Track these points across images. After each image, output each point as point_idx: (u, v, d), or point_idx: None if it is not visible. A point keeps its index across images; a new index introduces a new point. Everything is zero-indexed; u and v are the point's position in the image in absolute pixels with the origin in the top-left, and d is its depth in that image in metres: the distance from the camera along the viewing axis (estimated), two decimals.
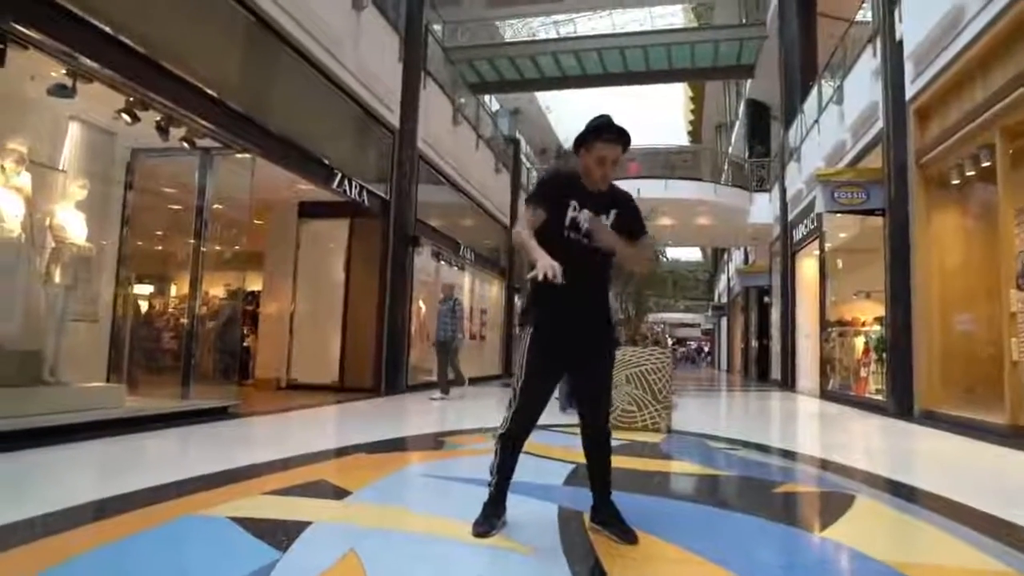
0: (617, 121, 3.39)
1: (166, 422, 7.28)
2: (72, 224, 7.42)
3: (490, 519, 3.43)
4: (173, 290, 10.39)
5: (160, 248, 9.85)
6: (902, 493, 4.93)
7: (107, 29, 6.82)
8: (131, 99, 7.47)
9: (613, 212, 3.41)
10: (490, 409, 11.75)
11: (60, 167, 7.61)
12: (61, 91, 6.88)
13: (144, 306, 10.24)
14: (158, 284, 10.31)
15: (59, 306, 7.33)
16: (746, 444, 7.32)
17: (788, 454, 6.83)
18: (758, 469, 5.88)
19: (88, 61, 6.73)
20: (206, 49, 8.58)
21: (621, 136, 3.34)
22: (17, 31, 6.03)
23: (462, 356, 13.82)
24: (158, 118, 7.89)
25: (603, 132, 3.32)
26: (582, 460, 3.65)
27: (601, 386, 3.48)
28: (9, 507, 3.78)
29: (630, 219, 3.46)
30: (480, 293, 21.49)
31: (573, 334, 3.37)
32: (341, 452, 6.13)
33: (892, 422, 10.10)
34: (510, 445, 3.45)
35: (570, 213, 3.32)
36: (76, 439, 6.02)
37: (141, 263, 9.52)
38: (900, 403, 10.87)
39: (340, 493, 4.30)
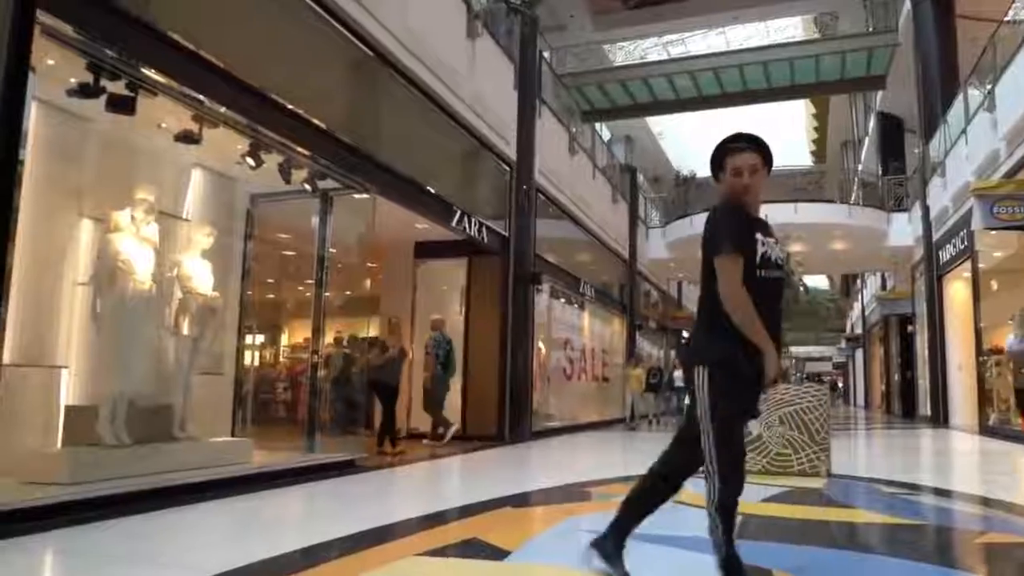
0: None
1: (292, 477, 7.27)
2: (199, 273, 7.50)
3: None
4: (291, 339, 10.49)
5: (276, 296, 9.95)
6: None
7: (228, 69, 6.91)
8: (254, 142, 7.58)
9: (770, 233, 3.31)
10: (616, 453, 11.88)
11: (184, 215, 7.74)
12: (187, 138, 7.01)
13: (265, 357, 10.35)
14: (278, 334, 10.41)
15: (187, 359, 7.39)
16: (916, 488, 7.20)
17: (971, 498, 6.62)
18: (949, 516, 5.71)
19: (214, 104, 6.85)
20: (323, 86, 8.67)
21: (752, 142, 3.28)
22: (148, 78, 6.16)
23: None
24: (280, 160, 7.98)
25: (729, 142, 3.31)
26: (746, 511, 3.59)
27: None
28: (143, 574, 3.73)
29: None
30: (600, 332, 21.25)
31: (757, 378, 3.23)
32: (485, 507, 5.96)
33: None
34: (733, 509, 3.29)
35: (760, 249, 3.19)
36: (206, 498, 6.01)
37: (261, 312, 9.64)
38: None
39: (499, 553, 4.19)
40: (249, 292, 9.32)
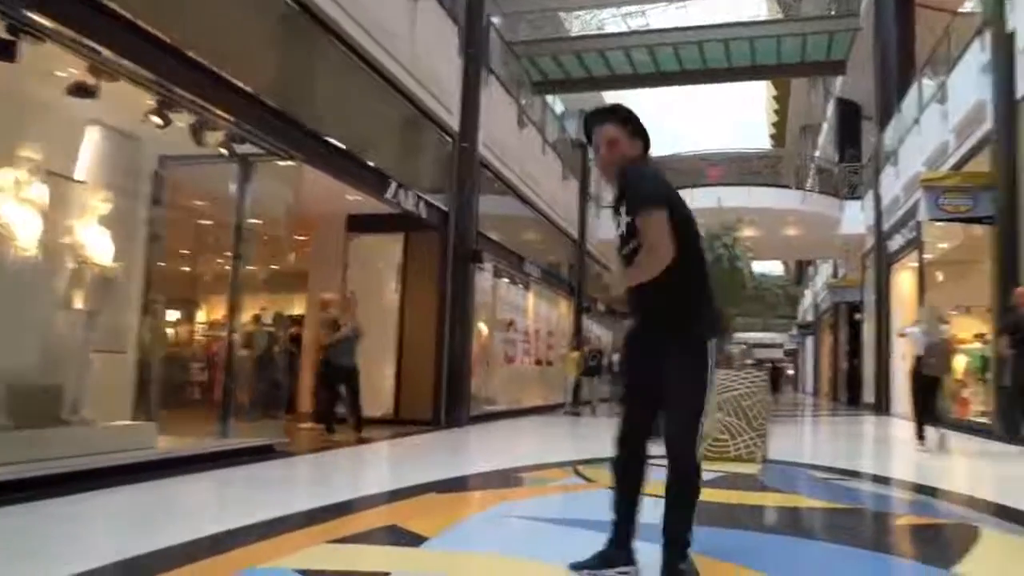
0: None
1: (204, 464, 7.02)
2: (95, 241, 7.03)
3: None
4: (209, 316, 10.02)
5: (192, 269, 9.49)
6: None
7: (133, 18, 6.44)
8: (160, 99, 7.06)
9: (625, 202, 3.26)
10: (561, 439, 12.10)
11: (79, 177, 7.22)
12: (81, 91, 6.46)
13: (179, 334, 9.88)
14: (193, 310, 9.92)
15: (82, 335, 6.95)
16: (850, 473, 7.59)
17: (896, 483, 7.10)
18: (872, 500, 6.12)
19: (112, 55, 6.34)
20: (244, 42, 8.25)
21: (604, 114, 3.30)
22: (32, 21, 5.60)
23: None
24: (192, 120, 7.50)
25: (587, 120, 3.38)
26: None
27: (669, 395, 3.17)
28: (25, 568, 3.49)
29: (633, 204, 3.20)
30: (546, 314, 21.04)
31: (645, 349, 3.27)
32: (409, 493, 5.89)
33: (999, 446, 10.33)
34: (616, 472, 3.33)
35: (612, 219, 3.36)
36: (103, 485, 5.69)
37: (173, 286, 9.21)
38: (1007, 425, 10.85)
39: (416, 539, 4.17)
40: (161, 263, 8.85)
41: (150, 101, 7.06)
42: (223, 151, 8.08)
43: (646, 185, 3.18)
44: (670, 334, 3.19)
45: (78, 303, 6.92)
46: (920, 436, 9.88)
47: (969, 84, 13.19)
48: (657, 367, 3.18)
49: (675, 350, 3.16)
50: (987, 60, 12.21)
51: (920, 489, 6.68)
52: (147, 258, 8.31)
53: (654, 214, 3.06)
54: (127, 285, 7.83)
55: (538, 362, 20.36)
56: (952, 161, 14.29)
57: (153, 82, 6.85)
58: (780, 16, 26.79)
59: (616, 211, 3.28)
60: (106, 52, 6.29)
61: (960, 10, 15.33)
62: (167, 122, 7.22)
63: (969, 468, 9.09)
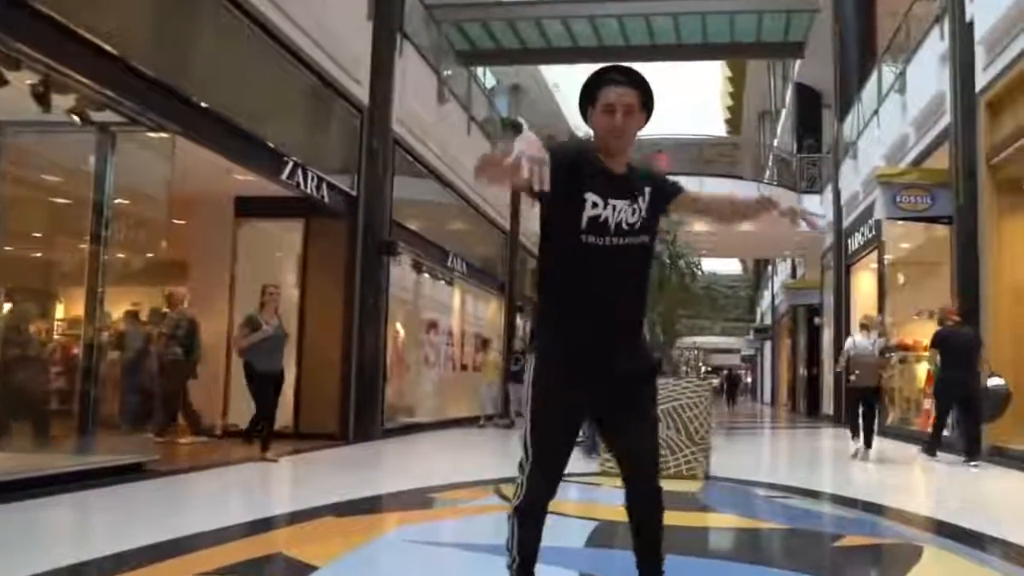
0: None
1: (59, 485, 6.82)
2: None
3: None
4: (69, 311, 9.50)
5: (44, 255, 9.00)
6: (973, 541, 5.21)
7: None
8: None
9: (647, 192, 3.15)
10: (487, 455, 12.21)
11: None
12: None
13: (26, 333, 9.34)
14: (48, 304, 9.40)
15: None
16: (796, 491, 7.76)
17: (844, 501, 7.33)
18: (812, 520, 6.39)
19: None
20: None
21: (630, 77, 3.13)
22: None
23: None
24: (34, 80, 7.06)
25: (605, 73, 3.17)
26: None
27: (644, 432, 3.21)
28: None
29: (667, 188, 3.26)
30: (474, 313, 20.81)
31: (597, 368, 3.08)
32: (301, 516, 5.88)
33: (958, 460, 10.44)
34: (531, 517, 3.18)
35: (588, 212, 3.03)
36: None
37: (18, 275, 8.82)
38: (967, 440, 10.85)
39: (302, 569, 4.16)
40: (7, 248, 8.46)
41: None
42: (75, 118, 7.67)
43: None
44: (639, 348, 3.26)
45: None
46: (854, 441, 11.44)
47: (929, 75, 13.49)
48: (615, 393, 3.13)
49: (645, 367, 3.24)
50: (945, 50, 12.49)
51: (865, 507, 6.96)
52: None
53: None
54: None
55: (465, 367, 20.14)
56: (912, 156, 14.58)
57: None
58: None
59: (632, 198, 3.11)
60: None
61: None
62: (2, 81, 6.77)
63: (918, 484, 9.51)
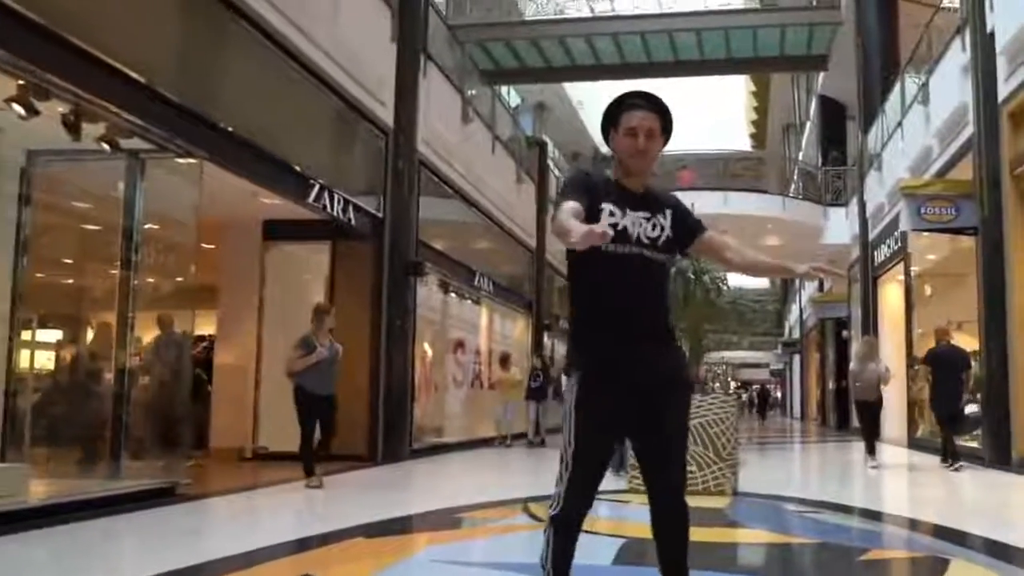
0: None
1: (91, 510, 6.81)
2: None
3: None
4: (99, 337, 9.58)
5: (75, 281, 9.09)
6: (1002, 554, 5.17)
7: None
8: (25, 84, 6.70)
9: (668, 213, 3.29)
10: (517, 475, 12.20)
11: None
12: None
13: (61, 358, 9.43)
14: (79, 329, 9.47)
15: None
16: (824, 505, 7.78)
17: (873, 515, 7.41)
18: (840, 534, 6.30)
19: None
20: (131, 21, 7.85)
21: (652, 102, 3.28)
22: None
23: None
24: (64, 110, 7.14)
25: (627, 98, 3.31)
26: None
27: (674, 445, 3.30)
28: None
29: (686, 215, 3.37)
30: (501, 332, 20.77)
31: (632, 380, 3.17)
32: (331, 538, 5.88)
33: (988, 473, 10.80)
34: (566, 529, 3.23)
35: (607, 220, 3.14)
36: None
37: (50, 301, 8.92)
38: (997, 451, 11.44)
39: None
40: (39, 274, 8.52)
41: (11, 87, 6.68)
42: (105, 146, 7.74)
43: None
44: (675, 360, 3.33)
45: None
46: (868, 456, 12.45)
47: (951, 86, 13.44)
48: (643, 403, 3.19)
49: (680, 381, 3.33)
50: (967, 61, 12.47)
51: (892, 520, 7.11)
52: (15, 268, 7.93)
53: None
54: None
55: (492, 386, 20.03)
56: (936, 167, 14.55)
57: (12, 65, 6.44)
58: (756, 6, 26.92)
59: (650, 213, 3.26)
60: None
61: (944, 4, 15.46)
62: (32, 111, 6.86)
63: (946, 496, 9.47)
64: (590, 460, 3.21)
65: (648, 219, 3.21)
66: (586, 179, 3.28)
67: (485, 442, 17.63)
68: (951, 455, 11.38)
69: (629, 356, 3.16)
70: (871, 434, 12.77)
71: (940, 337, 12.16)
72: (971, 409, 11.98)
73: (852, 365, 13.46)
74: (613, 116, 3.30)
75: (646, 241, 3.17)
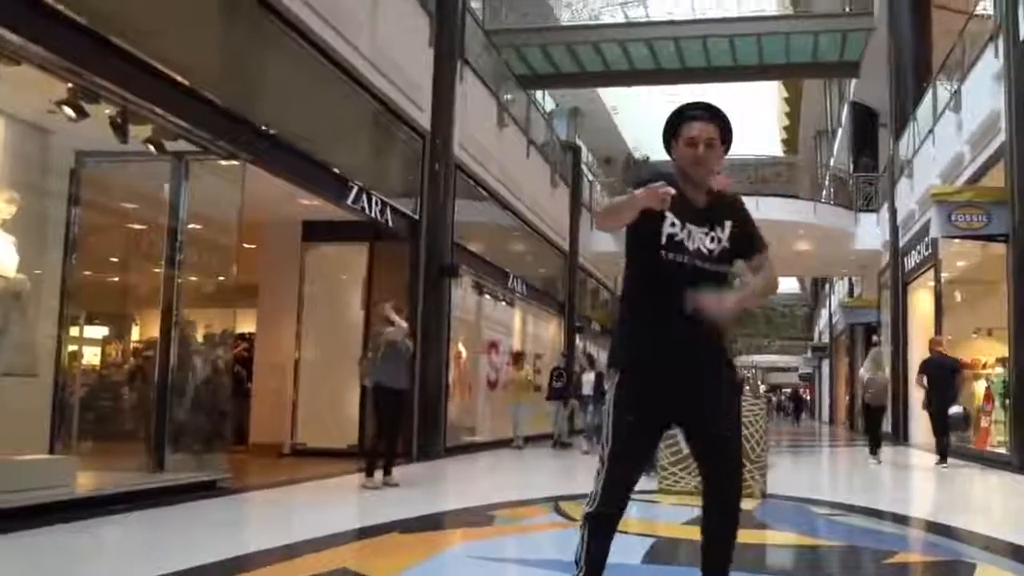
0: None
1: (134, 502, 6.89)
2: None
3: None
4: (144, 333, 9.68)
5: (121, 279, 9.16)
6: None
7: None
8: (74, 87, 6.75)
9: (728, 224, 3.28)
10: (547, 474, 12.15)
11: None
12: None
13: (108, 354, 9.54)
14: (125, 326, 9.57)
15: None
16: (852, 509, 7.78)
17: (899, 519, 7.37)
18: (866, 537, 6.28)
19: (13, 36, 5.98)
20: (176, 26, 7.90)
21: (712, 112, 3.30)
22: None
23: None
24: (112, 113, 7.21)
25: (688, 109, 3.34)
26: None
27: (728, 447, 3.31)
28: None
29: (748, 234, 3.35)
30: (534, 333, 20.74)
31: (678, 381, 3.19)
32: (367, 532, 6.02)
33: (1016, 478, 10.76)
34: (602, 526, 3.22)
35: (667, 228, 3.18)
36: (10, 529, 5.53)
37: (98, 299, 8.95)
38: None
39: None
40: (86, 272, 8.59)
41: (61, 89, 6.74)
42: (151, 148, 7.80)
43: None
44: (720, 364, 3.32)
45: None
46: (872, 452, 13.61)
47: (983, 92, 13.32)
48: (690, 406, 3.23)
49: (729, 383, 3.34)
50: (1000, 68, 12.35)
51: (919, 524, 7.13)
52: (64, 267, 8.00)
53: (767, 253, 3.37)
54: (39, 299, 7.51)
55: (504, 386, 20.01)
56: (968, 174, 14.40)
57: (64, 69, 6.52)
58: (789, 12, 26.79)
59: (709, 227, 3.27)
60: (7, 35, 5.94)
61: (977, 11, 15.30)
62: (82, 114, 6.92)
63: (973, 501, 9.64)
64: (627, 459, 3.21)
65: (707, 233, 3.22)
66: (650, 180, 3.22)
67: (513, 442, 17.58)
68: (942, 455, 12.40)
69: (672, 359, 3.18)
70: (875, 434, 13.95)
71: (933, 347, 13.25)
72: (955, 409, 12.91)
73: (863, 374, 14.80)
74: (674, 126, 3.34)
75: (704, 252, 3.20)
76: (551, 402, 17.35)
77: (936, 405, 12.59)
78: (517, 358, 17.82)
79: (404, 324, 9.43)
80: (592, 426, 15.61)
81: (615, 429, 3.19)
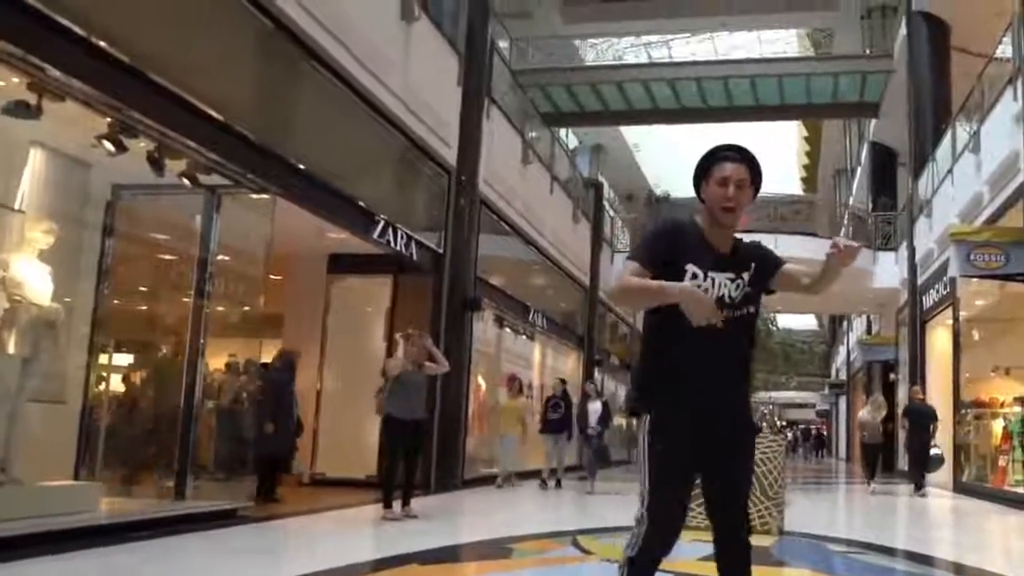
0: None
1: (155, 529, 6.90)
2: (33, 278, 6.79)
3: None
4: (164, 362, 9.71)
5: (149, 308, 9.23)
6: None
7: (85, 34, 6.19)
8: (114, 122, 6.87)
9: (752, 266, 3.23)
10: (565, 508, 11.98)
11: (17, 205, 7.04)
12: (21, 110, 6.25)
13: (133, 381, 9.57)
14: (144, 355, 9.61)
15: (14, 384, 6.72)
16: (869, 547, 7.72)
17: (916, 557, 7.27)
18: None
19: (61, 75, 6.12)
20: (212, 63, 8.01)
21: (743, 155, 3.29)
22: None
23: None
24: (150, 147, 7.32)
25: (719, 151, 3.33)
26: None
27: (740, 487, 3.35)
28: None
29: (762, 256, 3.30)
30: (553, 367, 20.71)
31: (705, 429, 3.15)
32: (386, 563, 5.93)
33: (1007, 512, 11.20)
34: (642, 570, 3.20)
35: (688, 280, 3.12)
36: (35, 554, 5.51)
37: (126, 327, 9.00)
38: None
39: None
40: (116, 301, 8.67)
41: (102, 124, 6.86)
42: (186, 181, 7.90)
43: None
44: (742, 404, 3.34)
45: (11, 348, 6.68)
46: (868, 482, 16.16)
47: (1002, 134, 13.31)
48: (712, 446, 3.19)
49: (747, 424, 3.35)
50: (1019, 110, 12.34)
51: (935, 563, 7.06)
52: (96, 296, 8.09)
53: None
54: (70, 326, 7.59)
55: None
56: (987, 214, 14.39)
57: (106, 104, 6.64)
58: (810, 54, 26.86)
59: (735, 274, 3.21)
60: (52, 71, 6.05)
61: (996, 54, 15.31)
62: (121, 148, 7.04)
63: (989, 541, 9.67)
64: (669, 503, 3.17)
65: (732, 280, 3.18)
66: (673, 231, 3.25)
67: (535, 473, 17.18)
68: (918, 486, 14.65)
69: (700, 402, 3.15)
70: (873, 467, 16.53)
71: (913, 396, 15.90)
72: (935, 451, 15.09)
73: (863, 416, 16.92)
74: (705, 167, 3.30)
75: (728, 301, 3.15)
76: (545, 436, 15.07)
77: (916, 445, 14.88)
78: (511, 382, 15.33)
79: (401, 355, 9.48)
80: (595, 463, 14.40)
81: (651, 474, 3.16)
